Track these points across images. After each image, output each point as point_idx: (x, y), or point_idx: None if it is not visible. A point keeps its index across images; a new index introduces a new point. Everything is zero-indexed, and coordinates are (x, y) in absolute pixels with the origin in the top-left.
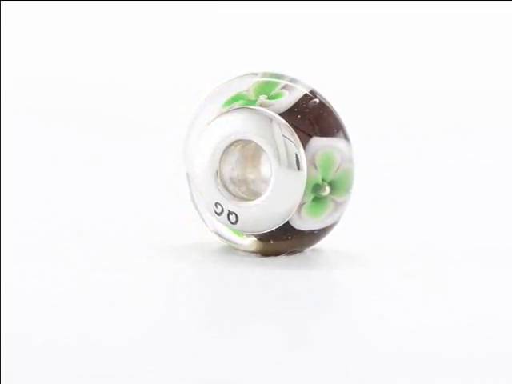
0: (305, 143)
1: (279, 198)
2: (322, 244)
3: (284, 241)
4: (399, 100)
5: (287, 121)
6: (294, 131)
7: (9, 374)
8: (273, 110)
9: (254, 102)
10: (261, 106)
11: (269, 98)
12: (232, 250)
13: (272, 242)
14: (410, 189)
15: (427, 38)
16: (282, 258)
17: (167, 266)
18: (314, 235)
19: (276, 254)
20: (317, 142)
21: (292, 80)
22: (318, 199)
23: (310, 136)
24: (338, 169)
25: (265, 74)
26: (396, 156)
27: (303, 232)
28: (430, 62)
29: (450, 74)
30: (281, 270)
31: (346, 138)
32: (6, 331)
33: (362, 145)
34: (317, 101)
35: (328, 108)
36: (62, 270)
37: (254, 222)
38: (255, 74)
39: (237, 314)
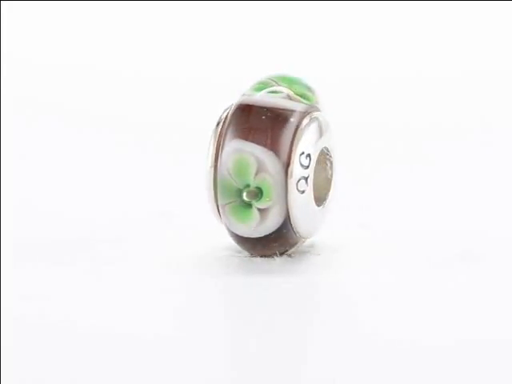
0: (226, 143)
1: (206, 193)
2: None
3: (243, 242)
4: (395, 98)
5: (232, 117)
6: (218, 128)
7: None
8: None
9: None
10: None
11: (255, 90)
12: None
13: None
14: (400, 188)
15: (421, 33)
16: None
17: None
18: (265, 241)
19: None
20: (235, 144)
21: (302, 95)
22: (245, 204)
23: (234, 138)
24: (255, 176)
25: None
26: (387, 157)
27: (242, 237)
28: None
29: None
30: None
31: (284, 162)
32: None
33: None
34: (303, 122)
35: (296, 130)
36: (86, 277)
37: None
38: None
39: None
